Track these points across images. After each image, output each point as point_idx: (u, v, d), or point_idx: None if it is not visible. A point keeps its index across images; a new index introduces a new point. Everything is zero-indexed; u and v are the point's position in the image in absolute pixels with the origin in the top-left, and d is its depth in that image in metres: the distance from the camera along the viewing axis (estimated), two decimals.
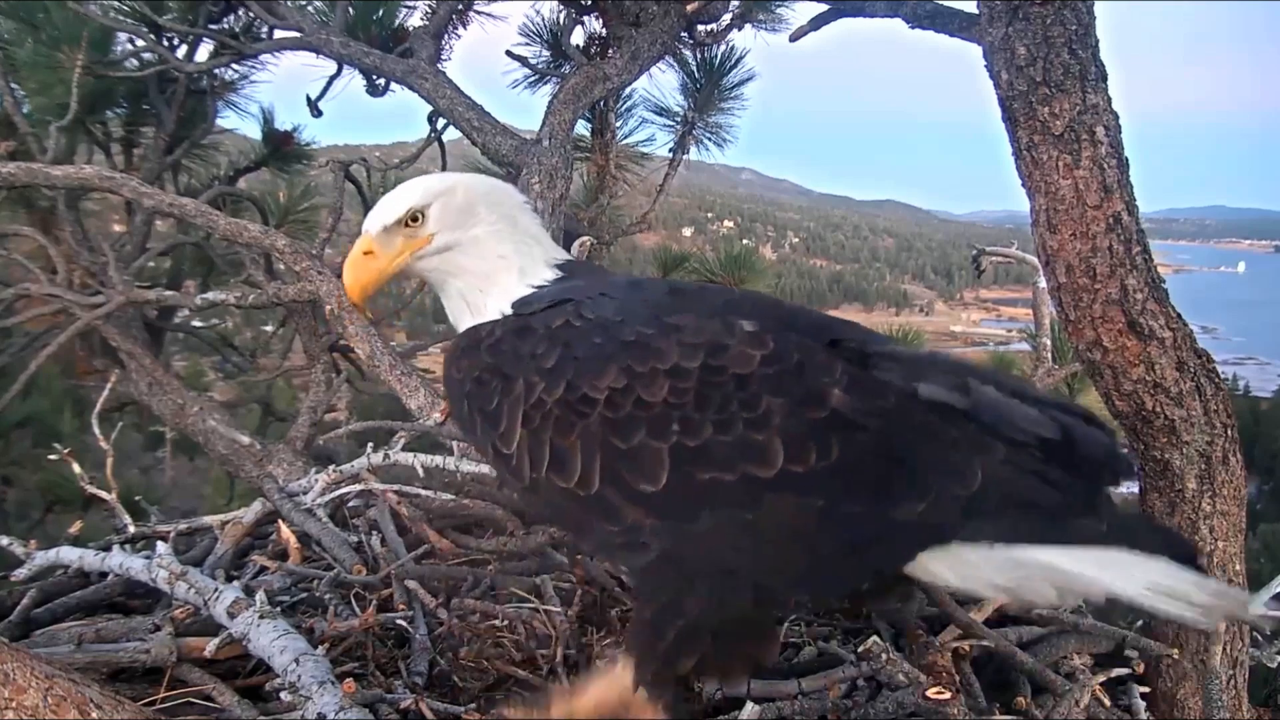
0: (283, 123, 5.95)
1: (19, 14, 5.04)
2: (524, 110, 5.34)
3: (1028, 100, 2.51)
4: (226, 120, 5.86)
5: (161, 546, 2.77)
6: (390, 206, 2.10)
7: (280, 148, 5.96)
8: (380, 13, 5.33)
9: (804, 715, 2.23)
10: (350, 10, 5.15)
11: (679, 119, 5.67)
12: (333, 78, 5.45)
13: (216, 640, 2.32)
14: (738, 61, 5.57)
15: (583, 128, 5.65)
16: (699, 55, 5.57)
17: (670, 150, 5.77)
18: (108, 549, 3.02)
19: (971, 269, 5.31)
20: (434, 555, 3.02)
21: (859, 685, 2.38)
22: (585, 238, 4.20)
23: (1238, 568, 2.77)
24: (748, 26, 5.51)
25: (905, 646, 2.54)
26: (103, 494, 3.61)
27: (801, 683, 2.32)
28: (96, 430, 3.92)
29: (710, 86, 5.57)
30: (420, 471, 3.40)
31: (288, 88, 5.82)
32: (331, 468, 3.46)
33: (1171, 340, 2.59)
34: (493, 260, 2.10)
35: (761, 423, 1.73)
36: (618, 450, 1.77)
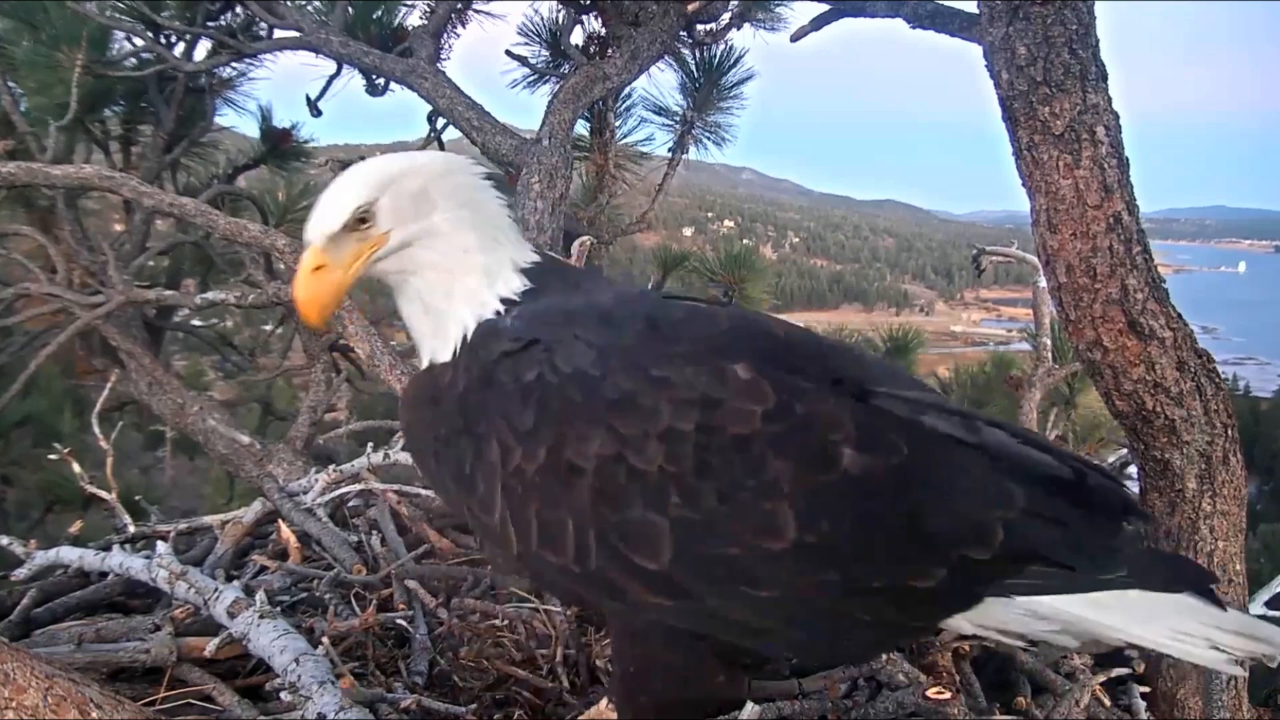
0: (281, 120, 5.96)
1: (18, 13, 5.04)
2: (524, 110, 5.35)
3: (1028, 100, 2.51)
4: (224, 118, 5.88)
5: (161, 546, 2.77)
6: (333, 211, 1.80)
7: (278, 145, 5.96)
8: (380, 12, 5.33)
9: (804, 715, 2.23)
10: (350, 9, 5.15)
11: (678, 118, 5.67)
12: (332, 77, 5.46)
13: (216, 640, 2.32)
14: (737, 61, 5.57)
15: (582, 127, 5.65)
16: (698, 55, 5.57)
17: (670, 150, 5.77)
18: (108, 549, 3.02)
19: (972, 269, 5.32)
20: (434, 555, 3.02)
21: (859, 685, 2.38)
22: (585, 237, 4.20)
23: (1238, 568, 2.77)
24: (747, 26, 5.52)
25: (905, 646, 2.55)
26: (103, 494, 3.61)
27: (801, 683, 2.32)
28: (96, 430, 3.91)
29: (709, 86, 5.57)
30: (420, 471, 3.40)
31: (286, 85, 5.82)
32: (331, 467, 3.46)
33: (1172, 340, 2.59)
34: (455, 255, 1.83)
35: (769, 490, 1.59)
36: (612, 524, 1.61)
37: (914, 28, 3.46)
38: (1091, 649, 2.52)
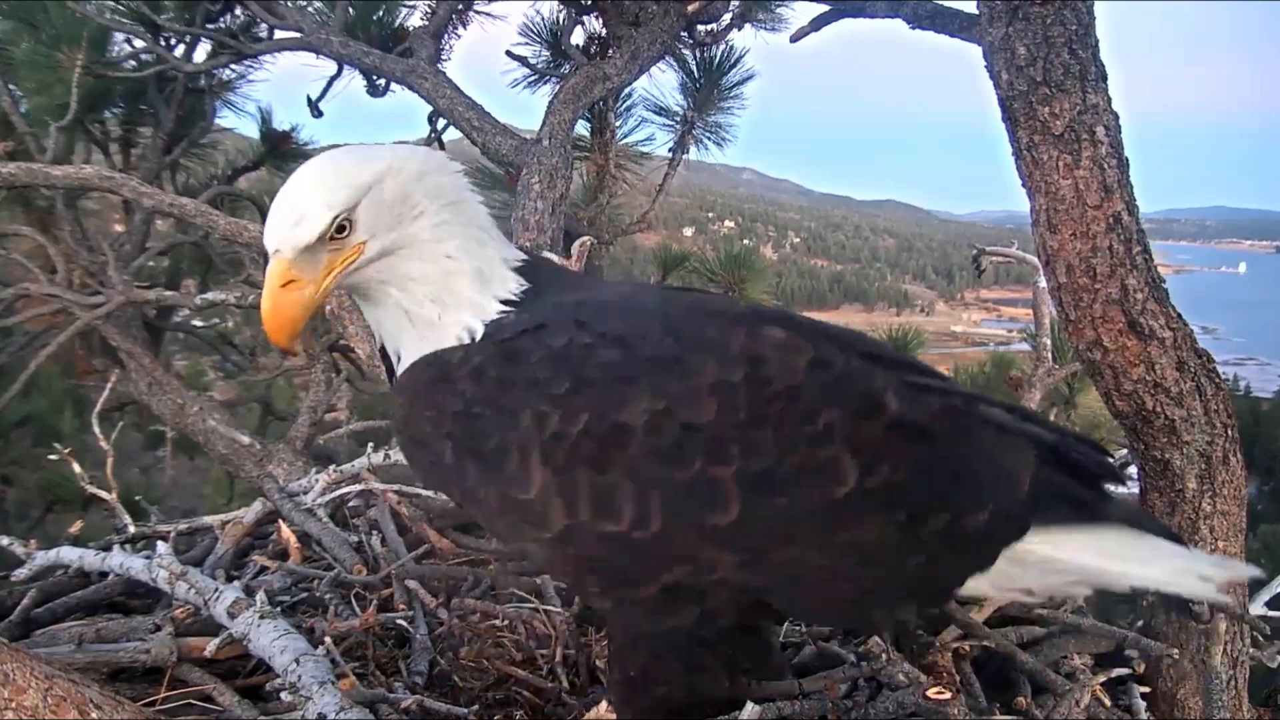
0: (281, 122, 5.98)
1: (18, 13, 5.05)
2: (524, 110, 5.36)
3: (1028, 100, 2.51)
4: (224, 120, 5.90)
5: (162, 546, 2.77)
6: (308, 221, 1.62)
7: (278, 147, 5.98)
8: (380, 13, 5.34)
9: (804, 715, 2.22)
10: (350, 10, 5.16)
11: (679, 119, 5.67)
12: (333, 78, 5.47)
13: (217, 640, 2.31)
14: (737, 61, 5.58)
15: (582, 127, 5.65)
16: (699, 55, 5.58)
17: (670, 150, 5.78)
18: (108, 549, 3.01)
19: (972, 269, 5.31)
20: (434, 555, 3.02)
21: (859, 685, 2.37)
22: (585, 238, 4.20)
23: None
24: (747, 26, 5.52)
25: (905, 646, 2.54)
26: (103, 494, 3.60)
27: (801, 683, 2.32)
28: (96, 430, 3.91)
29: (710, 86, 5.58)
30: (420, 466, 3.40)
31: (286, 86, 5.82)
32: (332, 467, 3.46)
33: (1172, 340, 2.59)
34: (440, 262, 1.71)
35: (825, 437, 1.60)
36: (673, 482, 1.56)
37: (914, 28, 3.46)
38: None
